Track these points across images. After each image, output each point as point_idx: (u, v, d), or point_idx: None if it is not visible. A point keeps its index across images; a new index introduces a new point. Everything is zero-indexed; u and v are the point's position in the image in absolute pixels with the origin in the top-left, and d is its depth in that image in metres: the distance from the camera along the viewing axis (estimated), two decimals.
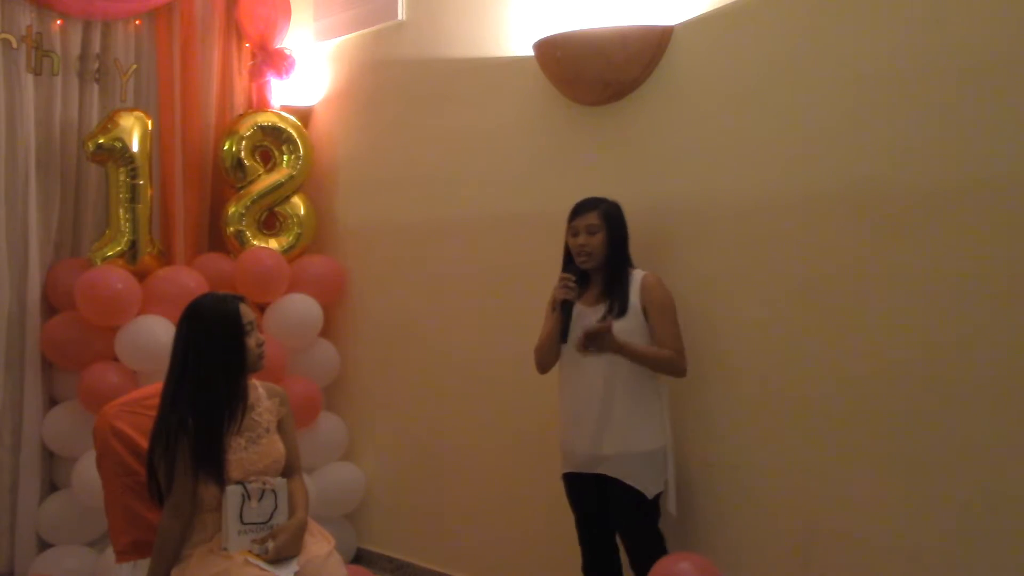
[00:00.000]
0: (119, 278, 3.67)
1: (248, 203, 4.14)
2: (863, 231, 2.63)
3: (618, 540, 2.92)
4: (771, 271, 2.84)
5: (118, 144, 3.74)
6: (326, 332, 4.24)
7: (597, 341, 2.70)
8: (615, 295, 2.82)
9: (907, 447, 2.55)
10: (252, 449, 2.57)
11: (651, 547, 2.79)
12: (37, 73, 3.79)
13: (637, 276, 2.85)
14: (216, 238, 4.28)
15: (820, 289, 2.73)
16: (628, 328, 2.77)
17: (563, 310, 2.82)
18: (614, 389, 2.79)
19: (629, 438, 2.78)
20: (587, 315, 2.83)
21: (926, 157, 2.50)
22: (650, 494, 2.79)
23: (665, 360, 2.79)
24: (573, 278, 2.81)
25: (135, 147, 3.77)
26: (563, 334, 2.83)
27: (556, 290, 2.83)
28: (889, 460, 2.59)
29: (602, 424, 2.80)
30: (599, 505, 2.88)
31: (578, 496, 2.93)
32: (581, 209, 2.87)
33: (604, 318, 2.79)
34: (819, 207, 2.72)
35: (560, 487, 3.00)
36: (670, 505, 2.85)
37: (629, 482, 2.77)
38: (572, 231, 2.88)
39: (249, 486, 2.52)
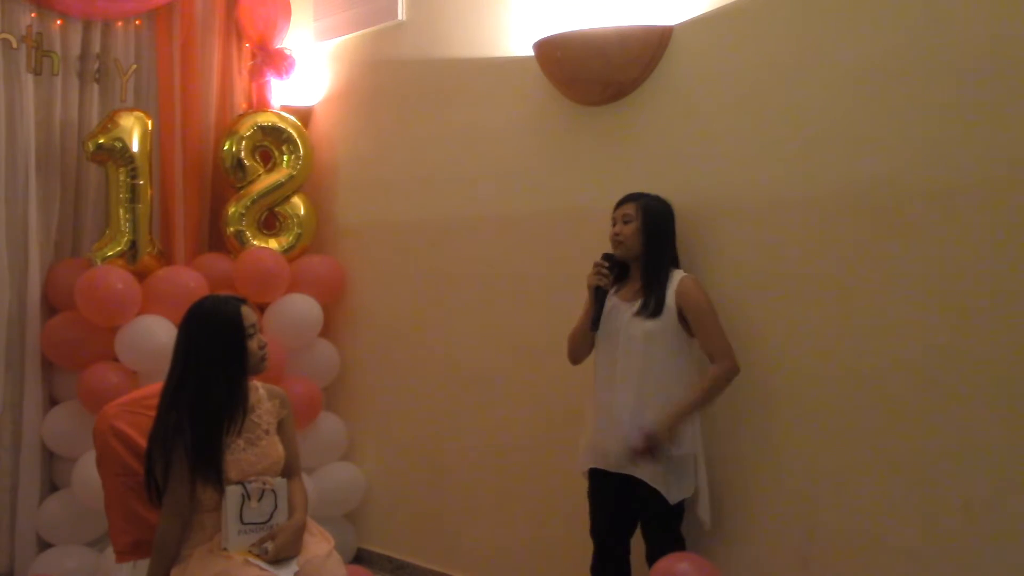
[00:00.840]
0: (119, 278, 3.67)
1: (248, 203, 4.14)
2: (862, 231, 2.64)
3: (631, 544, 2.91)
4: (770, 270, 2.84)
5: (118, 144, 3.74)
6: (326, 332, 4.24)
7: (653, 453, 2.69)
8: (651, 293, 2.80)
9: (907, 446, 2.56)
10: (251, 450, 2.57)
11: (671, 550, 2.76)
12: (37, 73, 3.78)
13: (676, 277, 2.82)
14: (216, 238, 4.28)
15: (818, 288, 2.73)
16: (659, 328, 2.75)
17: (595, 297, 2.81)
18: (647, 388, 2.75)
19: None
20: (622, 310, 2.82)
21: (926, 157, 2.50)
22: (672, 500, 2.76)
23: (716, 383, 2.75)
24: (605, 264, 2.80)
25: (135, 147, 3.77)
26: (594, 322, 2.83)
27: (589, 276, 2.84)
28: (890, 459, 2.59)
29: (635, 423, 2.75)
30: (621, 506, 2.85)
31: (603, 494, 2.89)
32: (622, 200, 2.90)
33: (635, 316, 2.77)
34: (819, 206, 2.72)
35: (560, 486, 3.01)
36: (702, 513, 2.83)
37: (655, 485, 2.74)
38: (612, 221, 2.89)
39: (249, 486, 2.52)
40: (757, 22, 2.86)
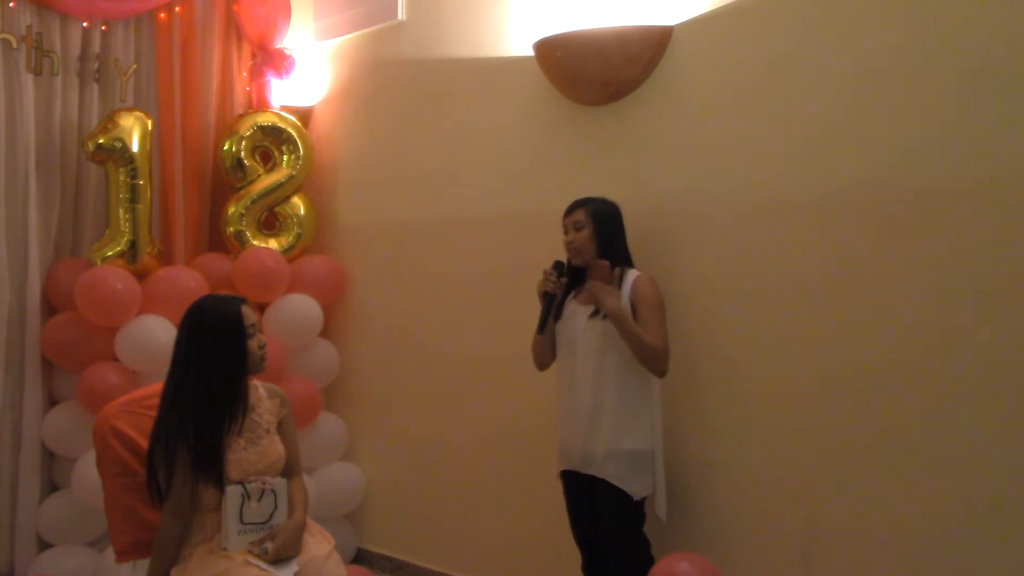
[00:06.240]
0: (119, 278, 3.67)
1: (248, 203, 4.14)
2: (863, 231, 2.64)
3: None
4: (770, 270, 2.84)
5: (118, 144, 3.74)
6: (326, 332, 4.24)
7: (598, 293, 2.76)
8: None
9: (907, 446, 2.56)
10: (252, 450, 2.57)
11: (635, 552, 2.78)
12: (37, 73, 3.78)
13: (631, 276, 2.85)
14: (216, 238, 4.28)
15: (819, 288, 2.73)
16: (614, 329, 2.77)
17: (543, 302, 2.89)
18: (603, 387, 2.80)
19: (616, 437, 2.78)
20: (580, 313, 2.86)
21: (926, 157, 2.50)
22: (636, 496, 2.78)
23: (650, 349, 2.74)
24: (555, 273, 2.87)
25: (135, 147, 3.77)
26: (542, 325, 2.90)
27: (538, 283, 2.90)
28: (889, 459, 2.59)
29: (592, 422, 2.81)
30: (591, 505, 2.87)
31: (574, 497, 2.94)
32: (570, 208, 2.93)
33: (590, 317, 2.82)
34: (818, 207, 2.72)
35: (560, 486, 3.01)
36: (658, 509, 2.85)
37: (615, 482, 2.77)
38: (564, 229, 2.93)
39: (249, 486, 2.52)
40: (757, 22, 2.86)
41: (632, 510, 2.80)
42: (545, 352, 3.00)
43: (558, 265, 2.91)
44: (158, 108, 4.13)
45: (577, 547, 2.97)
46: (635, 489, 2.78)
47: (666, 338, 2.79)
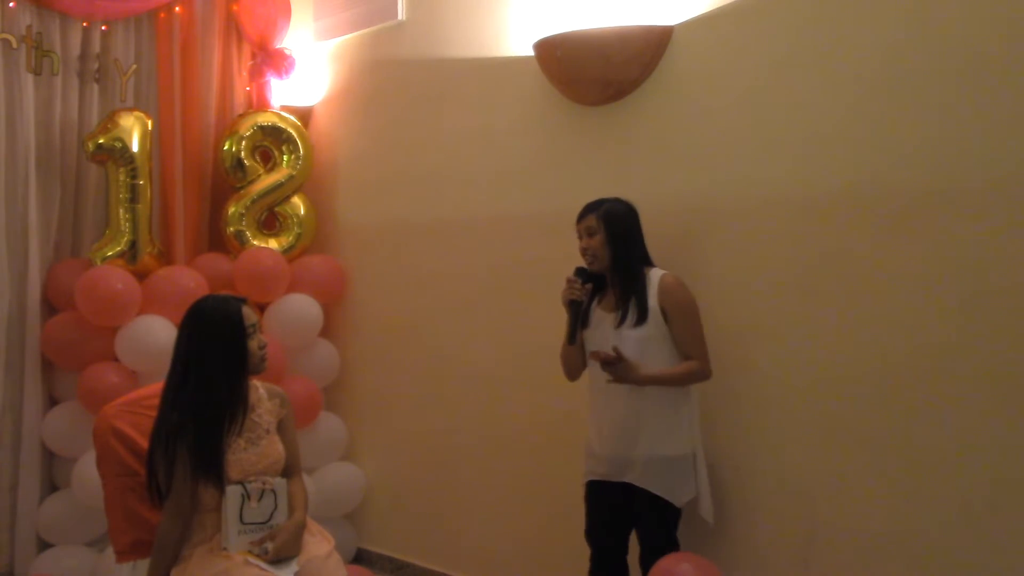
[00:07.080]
0: (119, 278, 3.67)
1: (248, 203, 4.14)
2: (862, 230, 2.64)
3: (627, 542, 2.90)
4: (770, 269, 2.84)
5: (118, 144, 3.74)
6: (326, 332, 4.24)
7: (616, 370, 2.67)
8: (631, 300, 2.75)
9: (908, 446, 2.56)
10: (252, 450, 2.57)
11: (667, 552, 2.75)
12: (37, 73, 3.79)
13: (655, 277, 2.77)
14: (216, 238, 4.28)
15: (818, 288, 2.73)
16: (649, 335, 2.72)
17: (570, 311, 2.81)
18: (641, 396, 2.72)
19: (657, 444, 2.72)
20: (607, 320, 2.79)
21: (926, 157, 2.50)
22: (679, 502, 2.74)
23: (692, 373, 2.74)
24: (579, 280, 2.79)
25: (135, 147, 3.77)
26: (571, 336, 2.82)
27: (562, 292, 2.82)
28: (890, 459, 2.59)
29: (629, 431, 2.74)
30: (619, 513, 2.83)
31: (598, 503, 2.87)
32: (582, 213, 2.84)
33: (618, 326, 2.74)
34: (819, 207, 2.72)
35: (561, 488, 3.01)
36: (705, 512, 2.80)
37: (659, 492, 2.72)
38: (578, 235, 2.85)
39: (249, 486, 2.52)
40: (757, 22, 2.86)
41: (671, 515, 2.77)
42: (574, 361, 2.90)
43: (580, 271, 2.82)
44: (158, 108, 4.13)
45: (587, 545, 2.92)
46: (679, 496, 2.74)
47: (702, 342, 2.75)
